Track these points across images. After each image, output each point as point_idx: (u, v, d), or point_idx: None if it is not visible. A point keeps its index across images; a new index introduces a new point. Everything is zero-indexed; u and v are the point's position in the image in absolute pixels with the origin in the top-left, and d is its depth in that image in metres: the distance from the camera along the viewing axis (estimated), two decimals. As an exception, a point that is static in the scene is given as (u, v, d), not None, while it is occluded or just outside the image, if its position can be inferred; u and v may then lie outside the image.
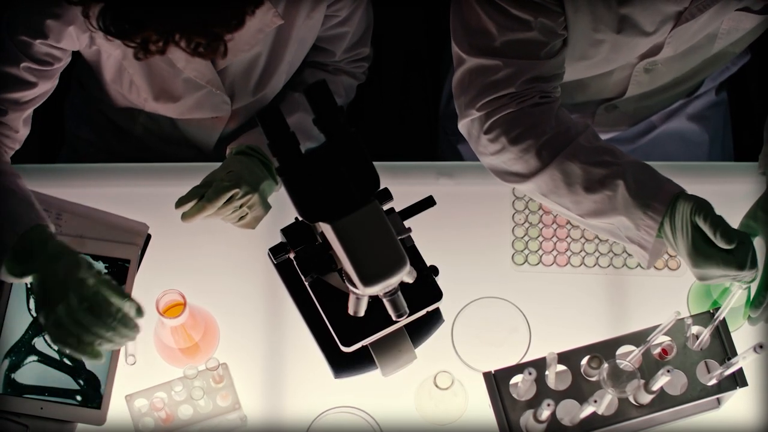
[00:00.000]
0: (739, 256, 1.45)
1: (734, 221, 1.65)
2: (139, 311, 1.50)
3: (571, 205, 1.60)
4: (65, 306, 1.47)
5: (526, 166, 1.61)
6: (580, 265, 1.75)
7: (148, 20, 1.35)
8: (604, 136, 1.96)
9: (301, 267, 1.47)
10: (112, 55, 1.71)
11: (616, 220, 1.56)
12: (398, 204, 1.45)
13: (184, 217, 1.60)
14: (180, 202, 1.60)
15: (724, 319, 1.52)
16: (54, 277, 1.49)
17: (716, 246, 1.47)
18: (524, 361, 1.59)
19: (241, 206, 1.63)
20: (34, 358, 1.65)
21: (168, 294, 1.53)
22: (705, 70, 1.84)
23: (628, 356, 1.49)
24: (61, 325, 1.47)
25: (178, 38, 1.37)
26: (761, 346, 1.38)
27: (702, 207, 1.49)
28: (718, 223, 1.46)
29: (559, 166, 1.58)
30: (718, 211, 1.70)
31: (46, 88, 1.67)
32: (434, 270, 1.52)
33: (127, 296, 1.50)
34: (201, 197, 1.59)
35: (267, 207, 1.67)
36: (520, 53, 1.59)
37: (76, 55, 1.75)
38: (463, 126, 1.67)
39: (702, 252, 1.47)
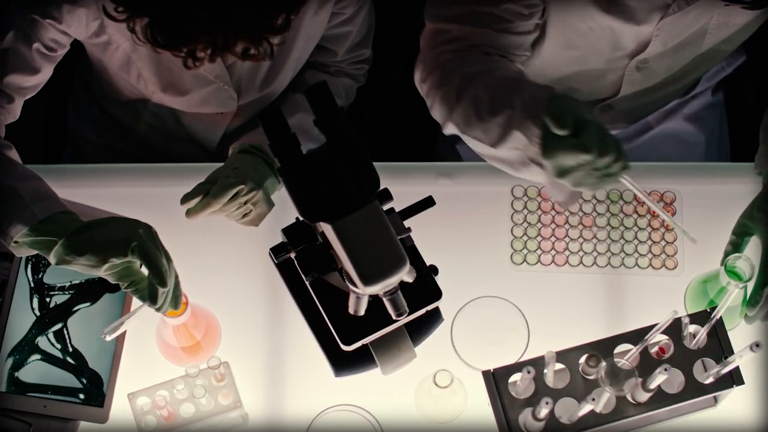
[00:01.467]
0: (583, 138, 1.40)
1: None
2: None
3: (483, 136, 1.56)
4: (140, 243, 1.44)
5: (448, 104, 1.60)
6: (578, 264, 1.76)
7: (197, 31, 1.35)
8: None
9: (302, 266, 1.47)
10: (120, 47, 1.71)
11: (517, 140, 1.51)
12: (398, 204, 1.46)
13: (189, 213, 1.61)
14: (185, 199, 1.61)
15: (720, 317, 1.52)
16: (111, 230, 1.45)
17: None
18: (523, 359, 1.60)
19: (245, 203, 1.63)
20: (38, 356, 1.65)
21: None
22: (697, 69, 1.84)
23: (626, 355, 1.49)
24: (147, 239, 1.45)
25: (228, 45, 1.38)
26: (758, 345, 1.39)
27: (554, 96, 1.45)
28: (552, 110, 1.41)
29: (471, 95, 1.57)
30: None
31: (45, 76, 1.66)
32: (434, 269, 1.53)
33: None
34: (206, 194, 1.60)
35: (270, 204, 1.68)
36: (478, 23, 1.61)
37: (80, 53, 1.75)
38: (417, 85, 1.68)
39: (549, 141, 1.42)
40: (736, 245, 1.61)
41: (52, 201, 1.51)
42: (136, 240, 1.44)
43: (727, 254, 1.62)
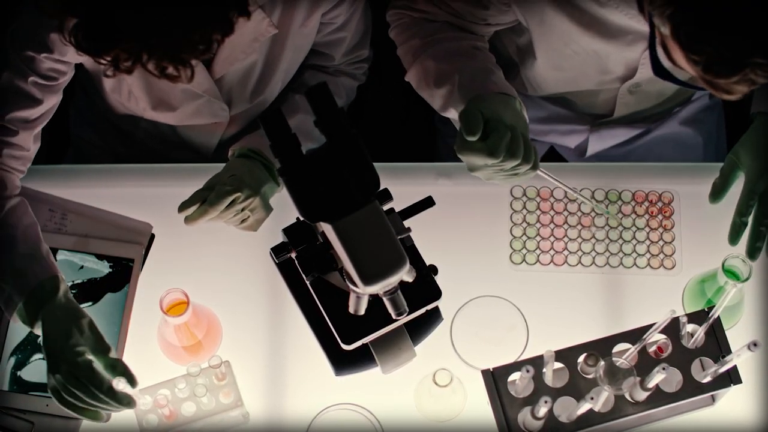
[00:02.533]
0: (489, 143, 1.47)
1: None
2: (131, 381, 1.53)
3: (429, 100, 1.68)
4: (60, 376, 1.52)
5: (406, 62, 1.72)
6: (577, 264, 1.76)
7: (117, 40, 1.36)
8: (601, 146, 1.99)
9: (303, 266, 1.48)
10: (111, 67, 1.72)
11: (455, 115, 1.62)
12: (398, 204, 1.47)
13: (188, 220, 1.61)
14: (183, 206, 1.61)
15: (718, 317, 1.52)
16: (52, 342, 1.53)
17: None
18: (522, 358, 1.61)
19: (243, 209, 1.63)
20: (40, 355, 1.66)
21: (171, 293, 1.55)
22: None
23: (624, 354, 1.49)
24: (59, 392, 1.53)
25: (146, 60, 1.38)
26: (755, 344, 1.40)
27: (477, 99, 1.52)
28: (466, 114, 1.48)
29: (421, 63, 1.67)
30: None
31: (52, 103, 1.68)
32: (433, 269, 1.53)
33: (119, 369, 1.53)
34: (204, 201, 1.60)
35: (268, 209, 1.68)
36: (436, 6, 1.69)
37: (79, 63, 1.76)
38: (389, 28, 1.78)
39: (461, 141, 1.49)
40: (725, 177, 1.68)
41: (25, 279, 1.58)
42: (50, 384, 1.54)
43: (715, 186, 1.69)
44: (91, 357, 1.53)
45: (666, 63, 1.39)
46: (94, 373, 1.52)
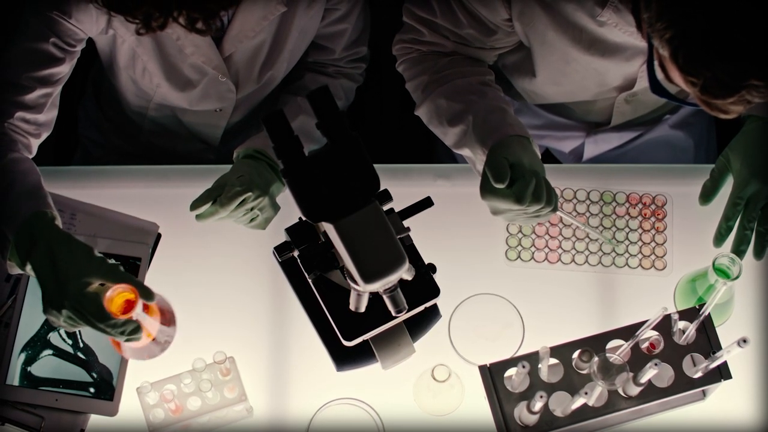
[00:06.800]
0: (515, 190, 1.51)
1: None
2: (147, 296, 1.48)
3: (441, 137, 1.72)
4: (65, 311, 1.47)
5: (416, 97, 1.76)
6: (570, 262, 1.78)
7: None
8: (597, 151, 2.01)
9: (305, 265, 1.49)
10: (126, 41, 1.74)
11: (467, 152, 1.66)
12: (397, 204, 1.48)
13: (199, 218, 1.62)
14: (194, 205, 1.61)
15: (709, 314, 1.54)
16: (49, 275, 1.47)
17: None
18: (518, 354, 1.61)
19: (252, 209, 1.65)
20: (49, 351, 1.68)
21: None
22: None
23: (618, 350, 1.51)
24: (71, 322, 1.50)
25: (176, 14, 1.43)
26: (745, 341, 1.41)
27: (499, 145, 1.55)
28: (493, 162, 1.52)
29: (433, 101, 1.71)
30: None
31: (67, 69, 1.68)
32: (432, 268, 1.55)
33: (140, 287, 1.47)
34: (214, 200, 1.62)
35: (276, 208, 1.69)
36: (443, 36, 1.71)
37: (92, 61, 1.78)
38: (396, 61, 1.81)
39: (488, 187, 1.53)
40: (715, 180, 1.72)
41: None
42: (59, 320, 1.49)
43: (705, 188, 1.72)
44: (95, 290, 1.47)
45: (664, 83, 1.40)
46: (99, 307, 1.45)
